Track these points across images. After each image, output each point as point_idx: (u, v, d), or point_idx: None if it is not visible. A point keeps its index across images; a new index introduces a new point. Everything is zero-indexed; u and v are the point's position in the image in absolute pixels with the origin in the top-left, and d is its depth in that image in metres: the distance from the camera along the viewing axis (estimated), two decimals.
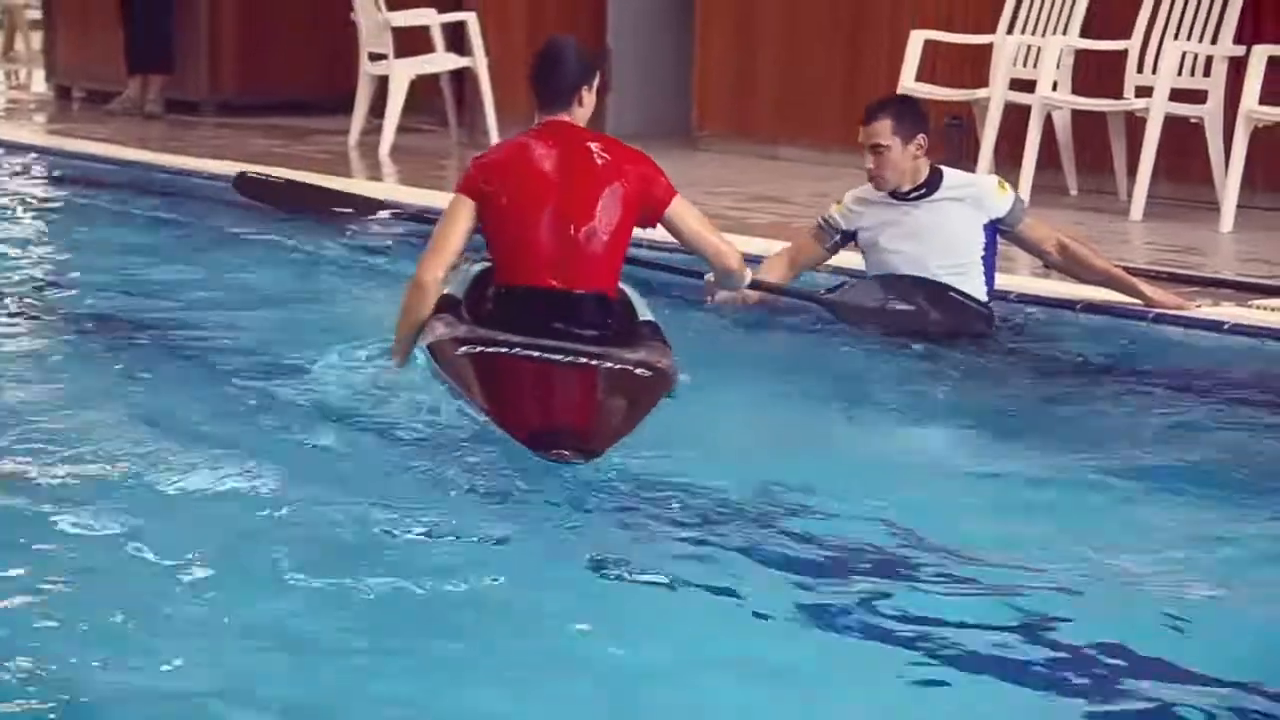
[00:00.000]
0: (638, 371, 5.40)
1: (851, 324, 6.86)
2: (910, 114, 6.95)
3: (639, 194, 5.77)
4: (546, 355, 5.38)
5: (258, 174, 8.55)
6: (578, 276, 5.66)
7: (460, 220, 5.79)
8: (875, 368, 6.64)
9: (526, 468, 5.04)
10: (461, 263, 5.97)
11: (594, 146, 5.80)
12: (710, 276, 6.23)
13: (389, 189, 10.49)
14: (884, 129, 6.84)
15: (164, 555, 4.45)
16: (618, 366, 5.37)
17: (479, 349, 5.41)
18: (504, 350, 5.40)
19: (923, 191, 6.92)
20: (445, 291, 5.83)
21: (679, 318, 6.43)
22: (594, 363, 5.40)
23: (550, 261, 5.66)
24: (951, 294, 6.81)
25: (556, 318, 5.59)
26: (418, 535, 4.65)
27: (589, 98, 5.86)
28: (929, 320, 6.81)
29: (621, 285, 5.91)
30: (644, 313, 5.90)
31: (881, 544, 4.65)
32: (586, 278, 5.67)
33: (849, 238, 7.06)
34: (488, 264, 5.97)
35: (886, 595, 4.31)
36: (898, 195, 6.93)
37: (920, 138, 6.86)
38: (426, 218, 8.10)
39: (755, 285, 6.50)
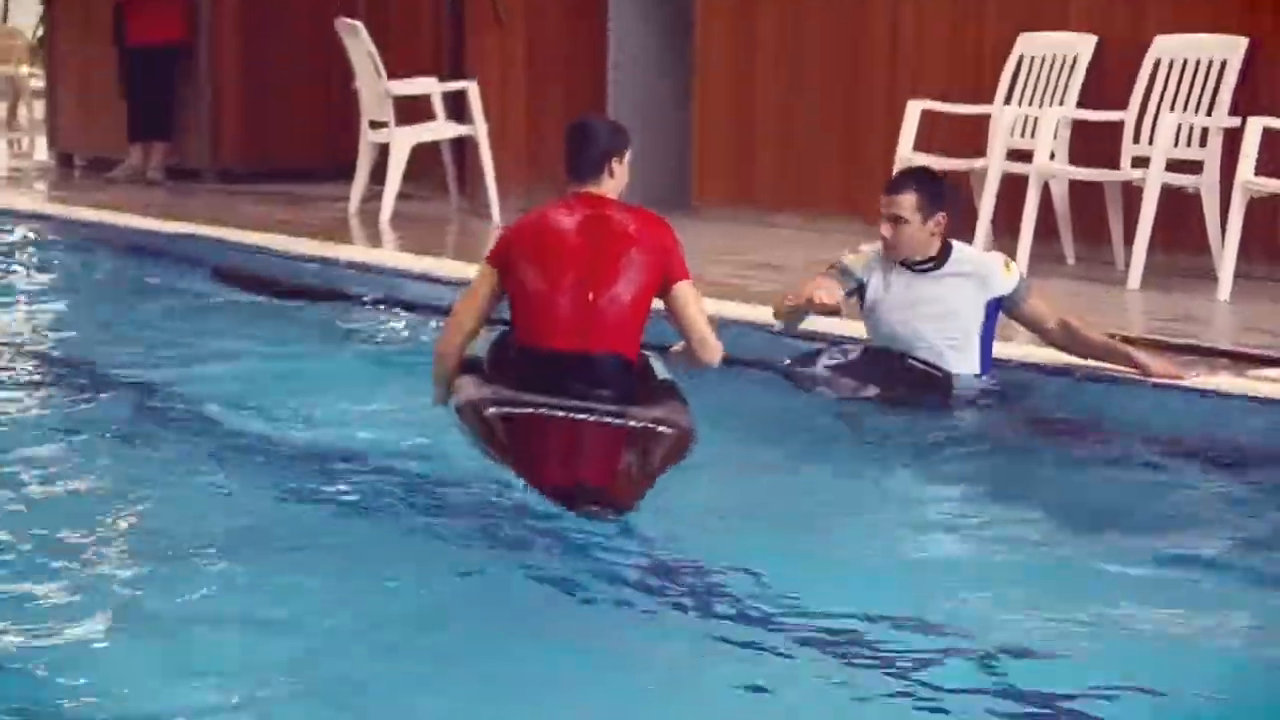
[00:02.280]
0: (660, 429, 5.49)
1: (811, 392, 6.85)
2: (935, 191, 6.91)
3: (660, 264, 5.87)
4: (572, 415, 5.46)
5: (233, 268, 8.73)
6: (597, 340, 5.75)
7: (479, 293, 5.96)
8: (864, 428, 6.67)
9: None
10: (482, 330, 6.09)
11: (619, 215, 5.89)
12: (678, 348, 6.28)
13: (389, 256, 10.52)
14: (908, 203, 6.84)
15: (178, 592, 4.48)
16: (640, 425, 5.45)
17: (506, 409, 5.51)
18: (530, 410, 5.49)
19: (931, 265, 6.94)
20: (467, 354, 5.95)
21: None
22: (618, 421, 5.49)
23: (569, 326, 5.75)
24: (910, 362, 6.83)
25: (575, 378, 5.68)
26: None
27: (619, 169, 5.96)
28: (885, 390, 6.81)
29: (642, 350, 6.00)
30: (662, 373, 6.00)
31: (867, 609, 4.68)
32: (605, 341, 5.76)
33: (863, 287, 7.07)
34: (507, 327, 6.06)
35: (879, 657, 4.33)
36: (906, 264, 6.96)
37: (940, 216, 6.86)
38: (395, 299, 8.22)
39: (727, 361, 6.49)
